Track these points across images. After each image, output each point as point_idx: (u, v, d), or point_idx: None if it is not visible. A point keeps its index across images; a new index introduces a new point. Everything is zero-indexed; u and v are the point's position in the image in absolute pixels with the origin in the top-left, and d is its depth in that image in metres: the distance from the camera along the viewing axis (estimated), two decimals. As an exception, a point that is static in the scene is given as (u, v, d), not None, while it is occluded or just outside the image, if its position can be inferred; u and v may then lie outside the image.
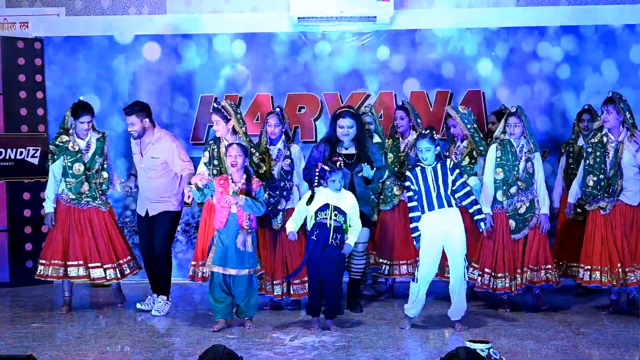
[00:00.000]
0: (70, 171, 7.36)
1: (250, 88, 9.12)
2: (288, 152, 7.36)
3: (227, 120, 7.18)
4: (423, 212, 6.62)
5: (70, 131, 7.45)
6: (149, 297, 7.60)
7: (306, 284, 7.14)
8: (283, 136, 7.39)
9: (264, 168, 7.21)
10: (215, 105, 7.29)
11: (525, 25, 9.05)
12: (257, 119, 9.03)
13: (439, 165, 6.62)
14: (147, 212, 7.48)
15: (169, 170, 7.42)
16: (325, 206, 6.64)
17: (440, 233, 6.60)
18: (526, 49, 9.04)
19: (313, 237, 6.64)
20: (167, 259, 7.53)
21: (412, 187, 6.66)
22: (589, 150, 7.27)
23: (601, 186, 7.14)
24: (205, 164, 7.29)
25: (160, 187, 7.42)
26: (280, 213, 7.27)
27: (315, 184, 6.71)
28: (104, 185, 7.52)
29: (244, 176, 6.76)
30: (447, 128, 7.90)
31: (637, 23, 8.98)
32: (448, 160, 6.69)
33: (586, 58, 9.01)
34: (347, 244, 6.70)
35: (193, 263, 7.41)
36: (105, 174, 7.52)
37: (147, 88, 9.11)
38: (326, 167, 6.71)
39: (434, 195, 6.57)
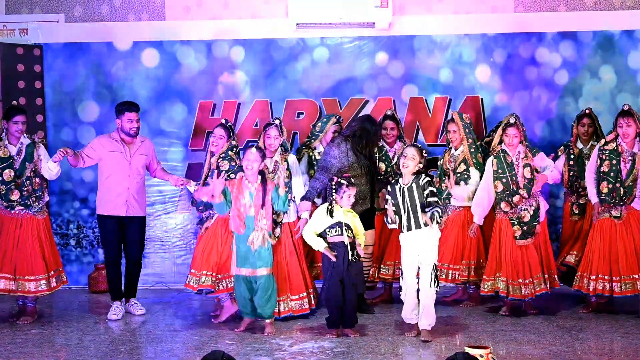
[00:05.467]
0: (0, 178, 7.16)
1: (248, 94, 9.13)
2: (285, 163, 7.32)
3: (228, 140, 7.38)
4: (407, 231, 6.59)
5: (3, 136, 7.29)
6: (115, 306, 7.50)
7: (304, 300, 7.18)
8: (280, 147, 7.38)
9: None
10: (223, 121, 7.56)
11: (524, 31, 9.05)
12: (256, 125, 9.04)
13: (414, 185, 6.54)
14: (126, 212, 7.49)
15: (144, 175, 7.69)
16: (337, 224, 6.66)
17: (415, 252, 6.58)
18: (524, 54, 9.05)
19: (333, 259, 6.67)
20: (141, 262, 7.72)
21: (393, 200, 6.62)
22: (602, 157, 7.30)
23: (617, 194, 7.21)
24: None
25: (140, 189, 7.59)
26: (279, 226, 7.19)
27: (333, 198, 6.71)
28: (38, 192, 7.33)
29: (259, 177, 6.79)
30: (446, 132, 7.92)
31: (635, 29, 8.99)
32: (422, 177, 6.56)
33: (584, 64, 9.02)
34: (358, 243, 6.70)
35: (193, 271, 7.28)
36: (38, 180, 7.35)
37: (146, 94, 9.11)
38: (343, 182, 6.71)
39: (404, 216, 6.56)
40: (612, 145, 7.30)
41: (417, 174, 6.57)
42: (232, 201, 6.76)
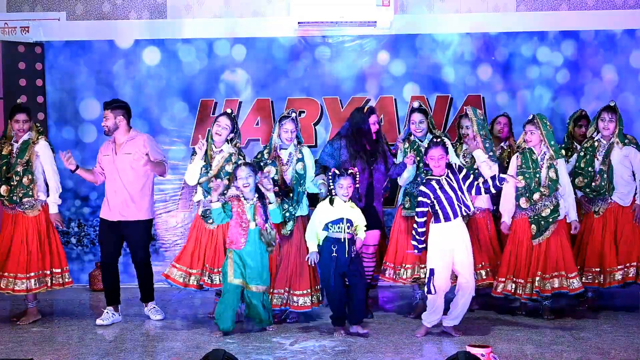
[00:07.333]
0: None
1: (250, 92, 9.13)
2: (300, 155, 7.19)
3: (232, 131, 7.18)
4: (449, 220, 6.58)
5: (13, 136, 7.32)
6: (106, 311, 7.25)
7: (308, 297, 7.08)
8: (295, 140, 7.23)
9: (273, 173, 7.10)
10: (228, 111, 7.27)
11: (525, 30, 9.06)
12: (258, 124, 9.04)
13: (451, 175, 6.62)
14: (120, 219, 7.25)
15: (143, 174, 7.25)
16: (339, 220, 6.66)
17: (449, 245, 6.58)
18: (526, 53, 9.06)
19: (334, 254, 6.65)
20: (149, 264, 7.42)
21: (428, 200, 6.58)
22: (581, 154, 7.56)
23: (591, 188, 7.47)
24: (202, 167, 7.12)
25: (133, 188, 7.23)
26: (291, 220, 7.11)
27: (331, 188, 6.73)
28: (26, 189, 7.17)
29: (256, 195, 6.77)
30: (459, 127, 7.77)
31: (637, 28, 8.99)
32: (458, 169, 6.70)
33: (586, 63, 9.02)
34: (358, 238, 6.73)
35: (183, 268, 7.20)
36: (30, 177, 7.19)
37: (147, 92, 9.12)
38: (337, 172, 6.74)
39: (455, 202, 6.58)
40: (590, 142, 7.54)
41: (448, 165, 6.69)
42: (233, 216, 6.72)
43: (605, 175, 7.39)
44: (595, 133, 7.56)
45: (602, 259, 7.40)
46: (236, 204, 6.74)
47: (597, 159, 7.43)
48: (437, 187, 6.60)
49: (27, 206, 7.23)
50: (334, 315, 6.77)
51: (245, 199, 6.75)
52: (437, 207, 6.59)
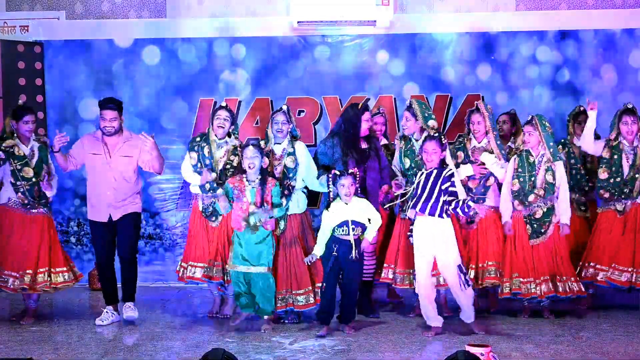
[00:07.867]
0: (21, 174, 7.11)
1: (249, 92, 9.12)
2: (291, 149, 7.15)
3: (232, 123, 7.24)
4: (422, 213, 6.59)
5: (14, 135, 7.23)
6: (105, 310, 7.20)
7: (309, 295, 7.06)
8: (289, 136, 7.19)
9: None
10: (224, 104, 7.35)
11: (525, 30, 9.06)
12: (257, 123, 9.04)
13: (435, 171, 6.62)
14: (109, 217, 7.14)
15: (136, 173, 7.24)
16: (344, 222, 6.65)
17: (429, 241, 6.58)
18: (525, 53, 9.05)
19: (334, 253, 6.65)
20: (135, 261, 7.31)
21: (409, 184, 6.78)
22: (610, 154, 7.44)
23: (618, 188, 7.37)
24: (193, 166, 7.21)
25: (127, 189, 7.17)
26: (283, 219, 7.08)
27: (330, 191, 6.73)
28: (48, 192, 7.25)
29: (259, 177, 6.78)
30: (469, 122, 7.53)
31: (636, 27, 8.99)
32: (447, 169, 6.67)
33: (585, 62, 9.02)
34: (365, 239, 6.72)
35: (183, 265, 7.38)
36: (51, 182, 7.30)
37: (147, 92, 9.12)
38: (337, 172, 6.73)
39: (422, 199, 6.58)
40: (614, 143, 7.44)
41: (442, 163, 6.73)
42: (234, 199, 6.77)
43: (637, 181, 7.33)
44: (611, 136, 7.47)
45: (615, 255, 7.31)
46: (238, 185, 6.77)
47: (627, 162, 7.35)
48: (420, 177, 6.67)
49: (48, 207, 7.31)
50: (319, 311, 6.77)
51: (247, 180, 6.78)
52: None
